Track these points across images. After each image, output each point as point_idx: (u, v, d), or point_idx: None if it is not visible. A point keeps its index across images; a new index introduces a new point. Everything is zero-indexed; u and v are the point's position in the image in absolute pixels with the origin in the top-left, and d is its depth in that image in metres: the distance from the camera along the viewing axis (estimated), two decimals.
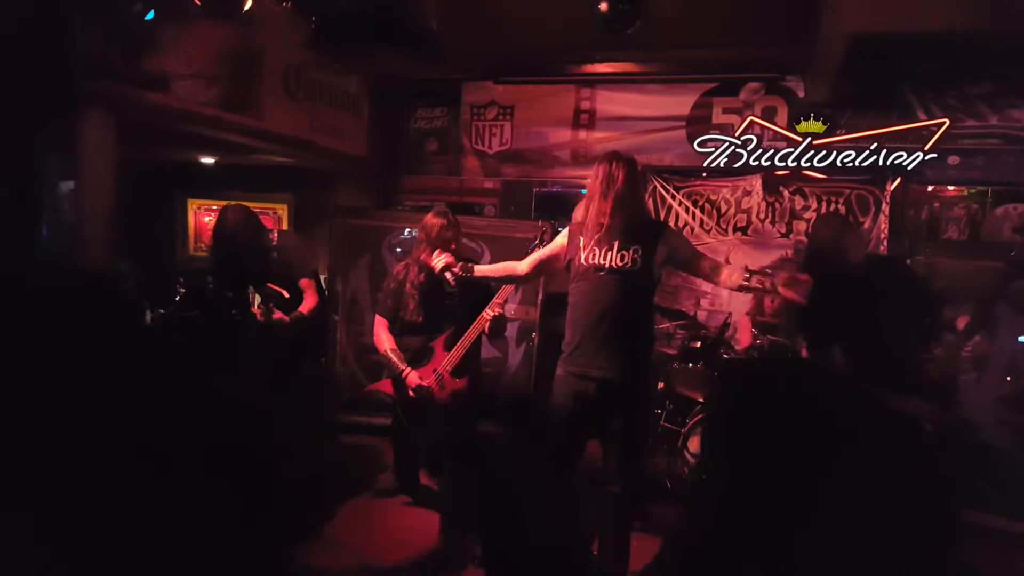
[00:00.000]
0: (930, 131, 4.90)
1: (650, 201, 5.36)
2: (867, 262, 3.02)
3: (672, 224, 5.18)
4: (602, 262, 2.80)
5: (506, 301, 3.47)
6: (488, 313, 3.38)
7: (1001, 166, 4.95)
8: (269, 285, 3.48)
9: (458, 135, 5.93)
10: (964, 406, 3.94)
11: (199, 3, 3.34)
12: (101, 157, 3.61)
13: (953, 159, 4.99)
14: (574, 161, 5.70)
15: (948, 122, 4.89)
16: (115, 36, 3.57)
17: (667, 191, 5.33)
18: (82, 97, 3.48)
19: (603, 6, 3.52)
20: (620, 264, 2.78)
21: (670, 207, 5.35)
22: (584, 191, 3.11)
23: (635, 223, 2.82)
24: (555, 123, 5.73)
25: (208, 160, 5.97)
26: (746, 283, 2.60)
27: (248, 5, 3.41)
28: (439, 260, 3.16)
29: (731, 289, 2.77)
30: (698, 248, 2.97)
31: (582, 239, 2.86)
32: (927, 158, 4.87)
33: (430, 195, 6.05)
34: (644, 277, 2.84)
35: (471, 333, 3.41)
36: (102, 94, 3.55)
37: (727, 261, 5.24)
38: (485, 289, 3.54)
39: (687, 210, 5.33)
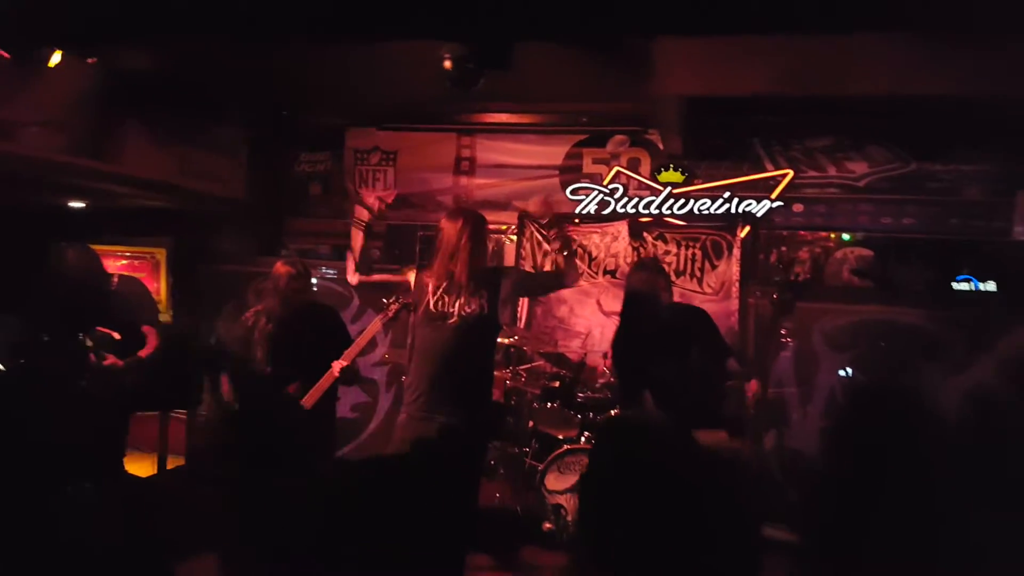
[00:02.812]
0: (776, 181, 5.31)
1: (527, 245, 5.57)
2: (671, 308, 3.26)
3: (547, 268, 5.39)
4: (450, 310, 2.96)
5: (356, 356, 3.54)
6: (337, 366, 3.44)
7: (839, 213, 5.41)
8: (99, 329, 3.44)
9: (342, 179, 6.03)
10: (794, 438, 4.28)
11: (7, 56, 3.34)
12: None
13: (797, 207, 5.42)
14: (456, 206, 5.87)
15: (792, 173, 5.31)
16: None
17: (543, 236, 5.55)
18: None
19: (447, 64, 3.70)
20: (467, 312, 2.95)
21: (546, 251, 5.56)
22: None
23: (480, 272, 3.01)
24: (437, 169, 5.92)
25: (79, 204, 5.84)
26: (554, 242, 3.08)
27: (55, 61, 3.44)
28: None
29: (569, 269, 3.17)
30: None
31: (430, 286, 3.02)
32: (774, 206, 5.26)
33: (316, 238, 6.11)
34: (489, 323, 3.04)
35: (321, 384, 3.46)
36: None
37: (598, 304, 5.49)
38: (338, 338, 3.61)
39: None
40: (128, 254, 6.20)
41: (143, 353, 3.70)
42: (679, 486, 1.59)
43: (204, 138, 5.24)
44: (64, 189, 4.88)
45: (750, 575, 1.88)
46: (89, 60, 3.90)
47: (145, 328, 3.69)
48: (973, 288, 5.11)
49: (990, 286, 5.08)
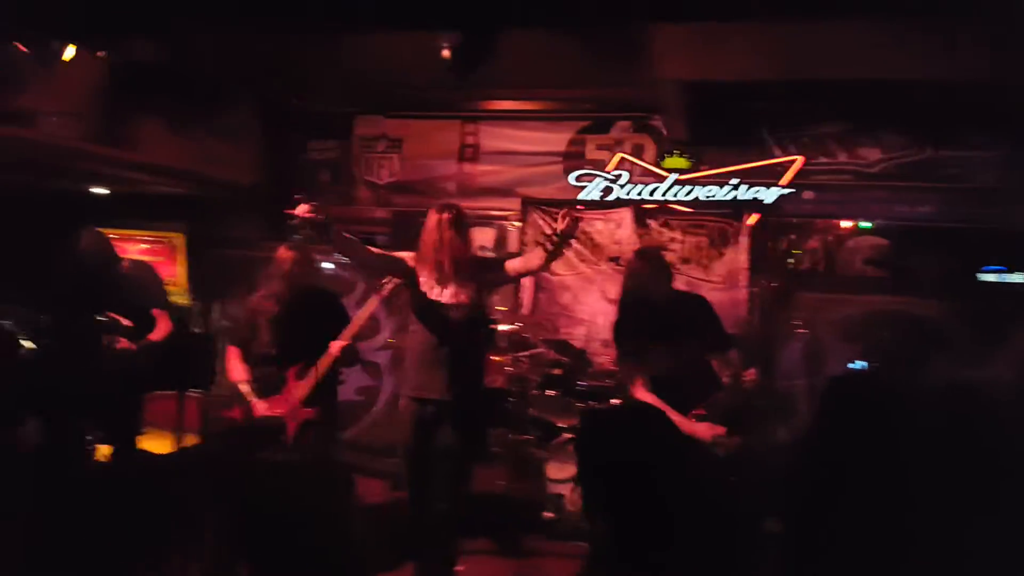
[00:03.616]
0: (785, 167, 5.22)
1: (529, 232, 5.58)
2: (671, 295, 3.27)
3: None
4: (439, 298, 3.13)
5: (354, 336, 3.63)
6: (336, 346, 3.55)
7: (852, 200, 5.31)
8: (108, 314, 3.56)
9: (350, 167, 6.12)
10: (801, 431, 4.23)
11: (26, 50, 3.46)
12: None
13: (808, 194, 5.31)
14: (460, 193, 5.88)
15: (802, 159, 5.21)
16: None
17: (546, 223, 5.56)
18: None
19: (445, 53, 3.75)
20: (456, 300, 3.12)
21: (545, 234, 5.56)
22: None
23: (465, 262, 3.11)
24: (441, 156, 5.96)
25: (101, 191, 6.01)
26: (545, 246, 3.02)
27: (69, 56, 3.54)
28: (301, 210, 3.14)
29: (540, 263, 3.15)
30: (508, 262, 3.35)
31: (420, 276, 3.15)
32: (783, 193, 5.18)
33: None
34: (477, 310, 3.22)
35: (322, 364, 3.56)
36: None
37: (601, 291, 5.49)
38: (339, 320, 3.71)
39: None
40: (148, 239, 6.37)
41: (154, 336, 3.81)
42: (668, 480, 1.61)
43: (217, 126, 5.35)
44: (84, 176, 5.04)
45: (741, 568, 1.90)
46: (99, 54, 4.02)
47: (155, 311, 3.81)
48: (1001, 279, 4.98)
49: (1017, 277, 4.95)
